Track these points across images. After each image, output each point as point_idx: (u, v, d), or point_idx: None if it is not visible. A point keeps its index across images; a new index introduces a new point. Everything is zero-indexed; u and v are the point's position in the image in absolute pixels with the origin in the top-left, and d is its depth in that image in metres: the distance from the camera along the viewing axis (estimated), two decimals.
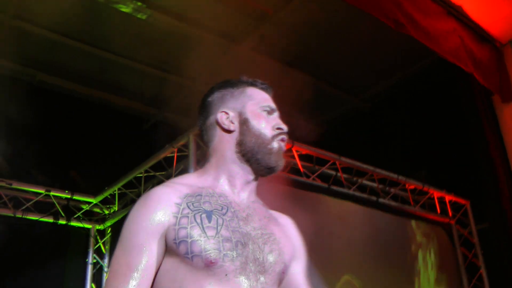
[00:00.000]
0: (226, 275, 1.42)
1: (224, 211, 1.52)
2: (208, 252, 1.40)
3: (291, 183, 4.54)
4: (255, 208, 1.65)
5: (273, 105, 1.70)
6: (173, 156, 4.39)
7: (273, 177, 1.68)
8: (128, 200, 5.52)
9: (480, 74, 6.06)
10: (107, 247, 5.75)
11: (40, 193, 5.19)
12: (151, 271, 1.43)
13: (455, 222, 6.26)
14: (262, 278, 1.48)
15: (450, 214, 6.23)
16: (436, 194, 6.00)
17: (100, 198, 5.57)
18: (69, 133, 5.43)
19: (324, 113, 7.58)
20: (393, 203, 5.50)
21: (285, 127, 1.66)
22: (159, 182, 4.46)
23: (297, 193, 4.60)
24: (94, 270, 5.62)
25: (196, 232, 1.42)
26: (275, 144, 1.62)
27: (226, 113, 1.64)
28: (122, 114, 6.25)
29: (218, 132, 1.65)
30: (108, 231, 5.80)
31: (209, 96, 1.71)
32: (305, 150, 4.58)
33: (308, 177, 4.65)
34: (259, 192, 1.71)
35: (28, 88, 5.43)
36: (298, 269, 1.69)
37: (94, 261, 5.65)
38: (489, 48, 6.67)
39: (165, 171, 4.70)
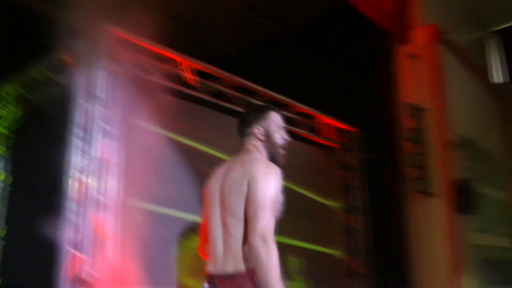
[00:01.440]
0: None
1: None
2: None
3: (185, 97, 4.97)
4: None
5: (283, 124, 2.92)
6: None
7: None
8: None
9: (378, 15, 6.59)
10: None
11: None
12: None
13: (340, 147, 6.94)
14: None
15: (336, 140, 6.89)
16: (326, 120, 6.59)
17: None
18: None
19: (244, 38, 8.01)
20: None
21: (288, 138, 2.91)
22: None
23: (192, 107, 5.05)
24: None
25: None
26: (282, 150, 2.86)
27: (259, 128, 2.80)
28: None
29: (253, 137, 2.81)
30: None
31: (249, 115, 2.87)
32: (198, 66, 4.95)
33: (199, 91, 5.05)
34: None
35: None
36: None
37: None
38: None
39: None
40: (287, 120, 5.83)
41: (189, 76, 4.81)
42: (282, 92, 5.94)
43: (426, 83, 7.32)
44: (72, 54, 4.36)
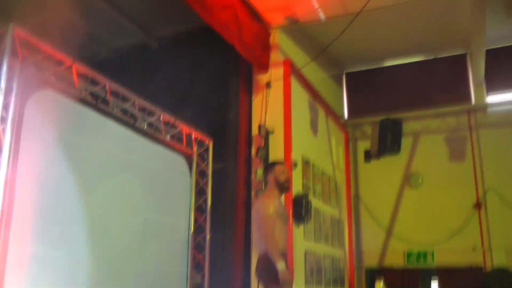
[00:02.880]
0: None
1: None
2: None
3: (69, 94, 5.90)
4: None
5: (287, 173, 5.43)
6: None
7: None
8: None
9: (242, 47, 7.83)
10: None
11: None
12: None
13: (196, 155, 8.11)
14: None
15: (194, 148, 8.05)
16: (185, 129, 7.71)
17: None
18: None
19: (115, 41, 8.94)
20: (147, 129, 7.10)
21: (288, 179, 5.46)
22: None
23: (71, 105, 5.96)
24: None
25: None
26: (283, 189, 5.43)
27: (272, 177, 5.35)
28: None
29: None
30: None
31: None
32: (84, 70, 5.92)
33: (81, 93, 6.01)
34: None
35: None
36: None
37: None
38: (259, 28, 8.50)
39: None
40: (152, 126, 6.95)
41: (75, 78, 5.76)
42: (152, 99, 6.96)
43: (276, 109, 8.74)
44: None
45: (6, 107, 4.89)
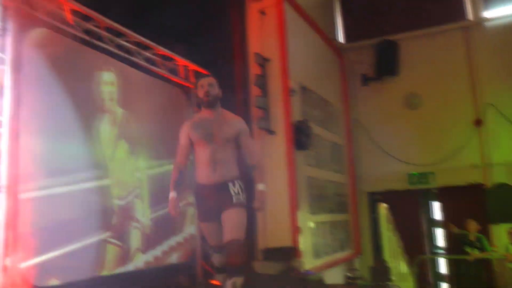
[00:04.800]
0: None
1: None
2: None
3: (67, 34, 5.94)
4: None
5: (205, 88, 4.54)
6: None
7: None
8: None
9: None
10: None
11: None
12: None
13: (194, 87, 8.16)
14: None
15: (192, 80, 8.15)
16: (182, 62, 7.78)
17: None
18: None
19: None
20: (144, 63, 7.16)
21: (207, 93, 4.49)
22: None
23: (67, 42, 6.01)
24: None
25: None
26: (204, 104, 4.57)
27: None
28: None
29: None
30: None
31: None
32: (76, 7, 5.91)
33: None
34: None
35: None
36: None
37: None
38: None
39: None
40: (148, 61, 7.00)
41: (68, 16, 5.77)
42: (146, 35, 6.98)
43: (271, 36, 8.75)
44: None
45: (2, 48, 4.93)
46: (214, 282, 7.65)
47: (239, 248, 4.23)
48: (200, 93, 4.50)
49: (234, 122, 4.57)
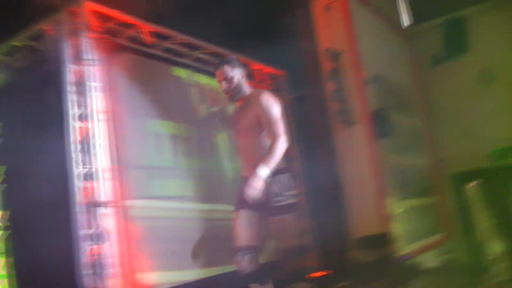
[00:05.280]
0: None
1: None
2: None
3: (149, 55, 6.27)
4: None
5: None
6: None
7: None
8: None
9: None
10: None
11: None
12: None
13: (272, 89, 8.36)
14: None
15: (268, 82, 8.35)
16: (256, 66, 7.99)
17: None
18: None
19: None
20: None
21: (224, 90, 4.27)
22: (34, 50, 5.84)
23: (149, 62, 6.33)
24: None
25: None
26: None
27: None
28: None
29: None
30: None
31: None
32: (152, 28, 6.22)
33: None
34: None
35: None
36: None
37: None
38: None
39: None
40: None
41: (147, 38, 6.08)
42: (219, 44, 7.21)
43: (339, 30, 8.84)
44: (52, 24, 5.49)
45: (95, 77, 5.26)
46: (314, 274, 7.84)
47: (291, 255, 3.84)
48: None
49: (252, 104, 4.11)
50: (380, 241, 8.09)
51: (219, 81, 4.30)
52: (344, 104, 8.57)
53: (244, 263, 3.91)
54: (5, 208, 6.20)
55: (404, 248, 8.80)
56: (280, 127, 3.96)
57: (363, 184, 8.53)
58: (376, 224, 8.36)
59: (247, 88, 4.30)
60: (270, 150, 3.83)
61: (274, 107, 4.07)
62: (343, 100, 8.56)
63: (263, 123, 3.99)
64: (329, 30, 8.87)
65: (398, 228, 8.91)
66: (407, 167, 10.41)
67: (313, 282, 7.65)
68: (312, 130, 8.52)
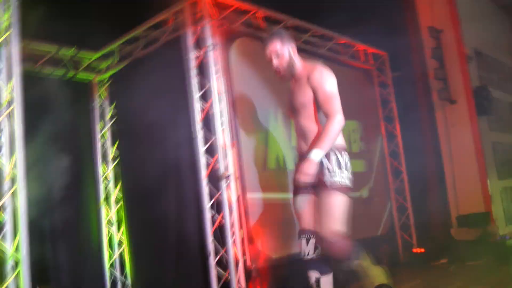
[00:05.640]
0: None
1: None
2: None
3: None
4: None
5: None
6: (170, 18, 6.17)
7: None
8: (126, 53, 6.74)
9: None
10: (104, 94, 7.22)
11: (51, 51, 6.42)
12: None
13: (375, 69, 8.64)
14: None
15: (371, 62, 8.59)
16: (361, 47, 8.23)
17: (102, 52, 6.84)
18: None
19: None
20: (327, 53, 7.69)
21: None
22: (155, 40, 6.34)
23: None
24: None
25: None
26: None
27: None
28: None
29: None
30: (107, 80, 7.14)
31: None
32: (268, 13, 6.60)
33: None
34: None
35: None
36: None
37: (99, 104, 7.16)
38: None
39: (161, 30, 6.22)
40: (329, 49, 7.52)
41: (261, 23, 6.48)
42: (323, 25, 7.48)
43: (441, 8, 8.90)
44: (174, 14, 5.98)
45: (215, 60, 5.71)
46: (417, 250, 8.08)
47: (339, 242, 3.49)
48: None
49: (306, 79, 3.74)
50: (480, 219, 8.16)
51: (269, 58, 3.83)
52: (446, 82, 8.66)
53: (303, 247, 3.72)
54: (125, 181, 6.89)
55: (504, 227, 8.85)
56: (335, 104, 3.61)
57: (464, 162, 8.61)
58: (477, 203, 8.44)
59: (299, 63, 3.83)
60: (325, 130, 3.54)
61: (329, 82, 3.69)
62: (444, 78, 8.65)
63: (318, 100, 3.65)
64: (430, 9, 8.94)
65: (498, 208, 8.96)
66: (509, 145, 10.33)
67: (415, 257, 7.91)
68: (414, 108, 8.66)
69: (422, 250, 8.06)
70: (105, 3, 6.16)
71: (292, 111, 3.89)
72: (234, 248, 5.42)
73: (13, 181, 4.18)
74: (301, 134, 3.80)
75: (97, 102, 7.18)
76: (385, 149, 8.46)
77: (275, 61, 3.78)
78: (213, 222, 5.49)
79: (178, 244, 5.95)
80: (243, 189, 5.78)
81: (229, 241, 5.41)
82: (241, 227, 5.58)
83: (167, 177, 6.10)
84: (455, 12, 8.85)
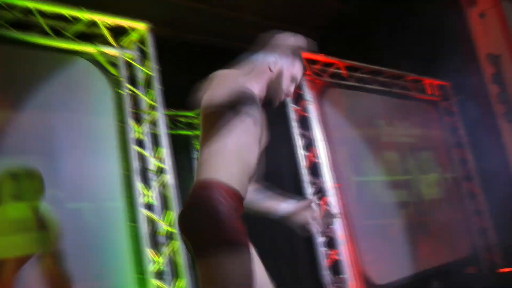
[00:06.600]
0: None
1: None
2: None
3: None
4: None
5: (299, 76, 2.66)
6: None
7: None
8: None
9: None
10: None
11: None
12: None
13: (440, 99, 9.30)
14: None
15: (437, 93, 9.27)
16: (427, 80, 8.93)
17: None
18: None
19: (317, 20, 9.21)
20: (399, 91, 8.41)
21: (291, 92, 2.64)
22: None
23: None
24: None
25: None
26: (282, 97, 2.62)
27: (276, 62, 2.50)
28: None
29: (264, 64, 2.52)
30: None
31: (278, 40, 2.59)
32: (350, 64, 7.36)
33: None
34: None
35: None
36: None
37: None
38: None
39: None
40: (400, 87, 8.21)
41: (344, 72, 7.23)
42: (396, 67, 8.20)
43: (497, 35, 9.50)
44: None
45: (312, 112, 6.46)
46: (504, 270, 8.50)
47: None
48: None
49: None
50: None
51: (297, 82, 2.64)
52: (509, 105, 9.23)
53: None
54: None
55: None
56: None
57: None
58: None
59: None
60: None
61: None
62: (508, 102, 9.21)
63: None
64: (486, 36, 9.55)
65: None
66: None
67: (501, 277, 8.30)
68: (481, 131, 9.21)
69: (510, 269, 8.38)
70: None
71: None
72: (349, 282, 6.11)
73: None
74: None
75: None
76: (460, 173, 9.05)
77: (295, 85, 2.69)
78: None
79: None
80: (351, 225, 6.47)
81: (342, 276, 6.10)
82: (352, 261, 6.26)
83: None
84: (511, 37, 9.43)
